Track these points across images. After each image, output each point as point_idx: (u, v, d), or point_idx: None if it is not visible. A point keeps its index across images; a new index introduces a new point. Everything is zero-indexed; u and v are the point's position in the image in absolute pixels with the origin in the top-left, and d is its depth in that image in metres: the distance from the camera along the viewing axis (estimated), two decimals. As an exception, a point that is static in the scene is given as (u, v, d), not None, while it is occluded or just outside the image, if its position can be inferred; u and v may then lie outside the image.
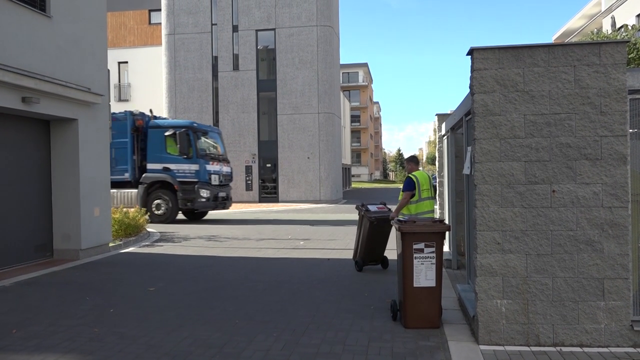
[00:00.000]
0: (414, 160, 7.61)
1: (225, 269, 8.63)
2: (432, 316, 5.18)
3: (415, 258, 5.15)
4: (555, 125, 4.62)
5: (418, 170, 7.44)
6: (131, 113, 17.26)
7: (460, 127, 8.12)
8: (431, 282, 5.16)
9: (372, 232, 7.98)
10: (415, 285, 5.16)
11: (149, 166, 17.23)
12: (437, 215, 9.65)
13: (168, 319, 5.59)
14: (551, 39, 53.14)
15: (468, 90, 5.49)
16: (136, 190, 17.04)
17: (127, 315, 5.76)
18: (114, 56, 35.36)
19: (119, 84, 35.49)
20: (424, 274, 5.16)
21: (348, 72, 73.53)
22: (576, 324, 4.56)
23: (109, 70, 11.36)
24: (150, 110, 18.70)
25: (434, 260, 5.16)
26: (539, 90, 4.65)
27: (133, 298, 6.62)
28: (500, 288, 4.65)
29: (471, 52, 4.78)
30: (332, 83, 29.80)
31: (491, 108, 4.71)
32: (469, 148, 6.11)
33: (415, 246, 5.15)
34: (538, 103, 4.64)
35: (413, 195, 7.13)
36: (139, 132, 17.34)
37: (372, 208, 8.21)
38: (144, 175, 17.18)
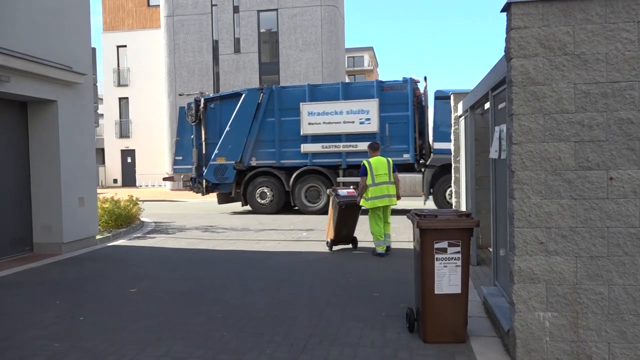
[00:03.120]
0: (371, 147, 8.46)
1: (219, 265, 7.81)
2: (456, 328, 4.33)
3: (437, 260, 4.29)
4: (614, 96, 3.71)
5: (376, 156, 8.24)
6: (412, 80, 14.27)
7: (481, 106, 7.22)
8: (456, 289, 4.30)
9: (341, 215, 8.55)
10: (436, 292, 4.30)
11: (436, 145, 14.16)
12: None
13: (145, 330, 4.77)
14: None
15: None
16: (418, 175, 14.28)
17: (98, 325, 4.95)
18: (112, 40, 34.51)
19: (118, 69, 34.59)
20: (447, 279, 4.30)
21: (353, 56, 72.01)
22: (638, 342, 3.70)
23: (94, 48, 10.47)
24: (425, 78, 14.95)
25: (459, 263, 4.29)
26: (593, 53, 3.73)
27: (110, 302, 5.81)
28: (544, 298, 3.79)
29: (508, 7, 3.86)
30: (337, 65, 28.77)
31: (533, 76, 3.80)
32: (497, 128, 5.22)
33: (437, 245, 4.28)
34: (592, 69, 3.73)
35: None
36: (417, 104, 14.35)
37: (341, 193, 8.79)
38: (432, 157, 14.20)
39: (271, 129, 14.99)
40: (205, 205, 19.85)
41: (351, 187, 9.26)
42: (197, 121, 15.59)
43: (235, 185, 15.37)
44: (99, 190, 28.92)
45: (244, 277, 6.91)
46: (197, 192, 15.96)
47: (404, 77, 14.55)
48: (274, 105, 14.94)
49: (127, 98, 34.52)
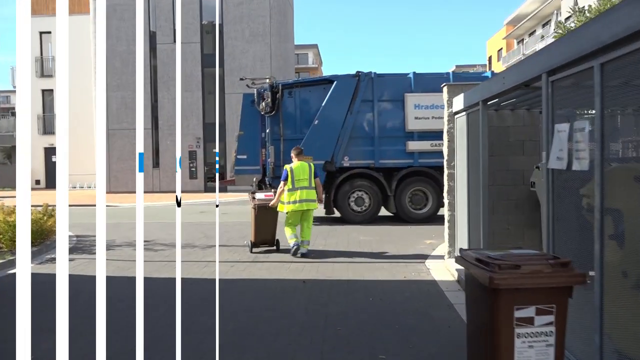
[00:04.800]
0: (294, 151, 8.66)
1: (153, 306, 5.86)
2: None
3: (518, 336, 2.64)
4: None
5: (300, 160, 8.45)
6: None
7: (493, 101, 5.72)
8: (546, 381, 2.68)
9: (259, 217, 8.79)
10: (516, 387, 2.66)
11: None
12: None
13: None
14: (502, 24, 52.24)
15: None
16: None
17: None
18: (34, 25, 30.89)
19: (41, 57, 31.22)
20: (533, 366, 2.66)
21: (298, 54, 70.36)
22: None
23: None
24: None
25: (552, 340, 2.67)
26: None
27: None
28: None
29: None
30: (287, 59, 27.00)
31: None
32: (562, 126, 3.68)
33: (518, 314, 2.63)
34: None
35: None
36: None
37: (259, 196, 8.99)
38: None
39: (368, 123, 12.75)
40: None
41: (272, 190, 9.71)
42: (273, 112, 12.78)
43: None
44: (13, 194, 25.79)
45: (188, 329, 5.03)
46: None
47: None
48: (373, 95, 12.68)
49: (51, 90, 31.09)
